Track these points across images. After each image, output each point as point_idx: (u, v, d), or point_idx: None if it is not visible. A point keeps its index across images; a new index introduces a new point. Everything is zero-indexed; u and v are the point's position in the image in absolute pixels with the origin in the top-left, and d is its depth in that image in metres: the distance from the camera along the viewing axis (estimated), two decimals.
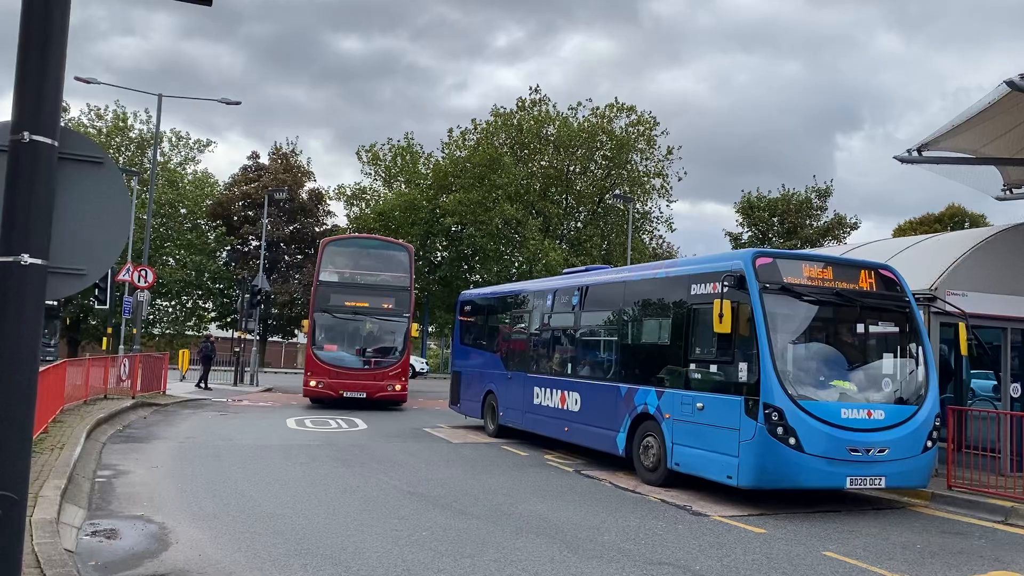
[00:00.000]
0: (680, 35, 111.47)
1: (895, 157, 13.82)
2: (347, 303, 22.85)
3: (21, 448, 3.27)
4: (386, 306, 22.96)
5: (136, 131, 49.59)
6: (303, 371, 24.51)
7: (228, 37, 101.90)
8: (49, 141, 3.29)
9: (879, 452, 10.04)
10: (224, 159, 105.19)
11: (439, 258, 49.31)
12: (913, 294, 11.45)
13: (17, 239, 3.23)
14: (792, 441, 9.72)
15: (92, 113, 49.30)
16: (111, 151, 45.65)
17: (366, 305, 22.93)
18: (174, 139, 52.87)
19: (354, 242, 27.02)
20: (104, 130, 48.52)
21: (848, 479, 9.98)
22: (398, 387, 22.53)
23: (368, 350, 22.90)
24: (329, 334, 23.02)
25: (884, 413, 10.26)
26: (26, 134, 3.22)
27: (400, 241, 28.07)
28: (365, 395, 21.97)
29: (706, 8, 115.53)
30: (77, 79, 26.37)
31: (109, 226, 3.68)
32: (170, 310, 48.82)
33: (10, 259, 3.22)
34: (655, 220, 49.75)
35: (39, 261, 3.28)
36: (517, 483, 11.60)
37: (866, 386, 10.70)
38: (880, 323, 11.33)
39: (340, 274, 23.81)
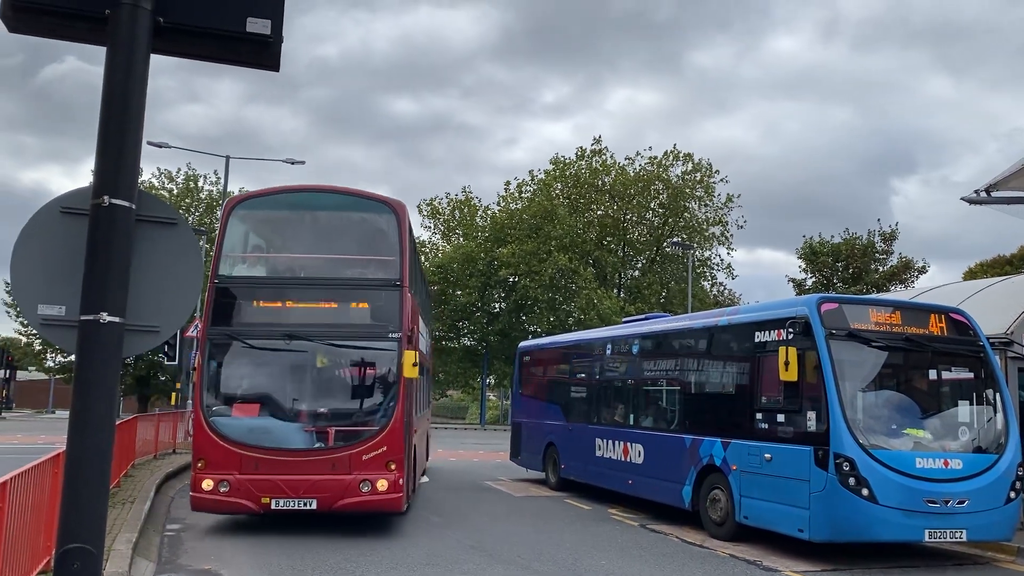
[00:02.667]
0: (725, 85, 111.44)
1: (963, 198, 13.50)
2: (271, 310, 11.48)
3: (98, 502, 3.35)
4: (355, 317, 11.55)
5: (205, 192, 51.32)
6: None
7: (288, 101, 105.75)
8: (127, 204, 3.42)
9: (958, 504, 9.62)
10: None
11: (497, 309, 49.42)
12: (988, 338, 11.07)
13: (96, 298, 3.35)
14: (865, 492, 9.40)
15: (163, 176, 51.26)
16: (181, 211, 47.25)
17: (313, 309, 11.54)
18: None
19: (287, 199, 12.57)
20: (175, 191, 50.33)
21: (926, 532, 9.57)
22: (383, 484, 10.68)
23: (317, 411, 11.19)
24: (237, 381, 11.31)
25: (962, 463, 9.86)
26: (106, 198, 3.36)
27: (380, 195, 12.33)
28: (315, 504, 10.59)
29: (749, 59, 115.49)
30: (149, 143, 27.70)
31: (182, 284, 3.79)
32: None
33: (90, 317, 3.34)
34: (715, 267, 49.36)
35: (117, 319, 3.39)
36: (581, 538, 11.41)
37: (941, 434, 10.32)
38: (953, 369, 10.96)
39: (258, 261, 12.57)
